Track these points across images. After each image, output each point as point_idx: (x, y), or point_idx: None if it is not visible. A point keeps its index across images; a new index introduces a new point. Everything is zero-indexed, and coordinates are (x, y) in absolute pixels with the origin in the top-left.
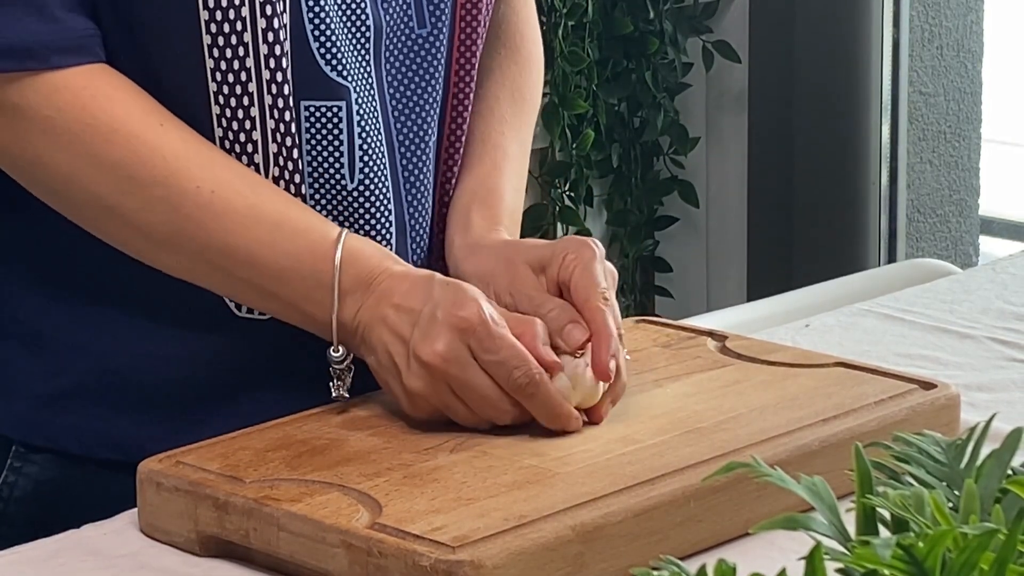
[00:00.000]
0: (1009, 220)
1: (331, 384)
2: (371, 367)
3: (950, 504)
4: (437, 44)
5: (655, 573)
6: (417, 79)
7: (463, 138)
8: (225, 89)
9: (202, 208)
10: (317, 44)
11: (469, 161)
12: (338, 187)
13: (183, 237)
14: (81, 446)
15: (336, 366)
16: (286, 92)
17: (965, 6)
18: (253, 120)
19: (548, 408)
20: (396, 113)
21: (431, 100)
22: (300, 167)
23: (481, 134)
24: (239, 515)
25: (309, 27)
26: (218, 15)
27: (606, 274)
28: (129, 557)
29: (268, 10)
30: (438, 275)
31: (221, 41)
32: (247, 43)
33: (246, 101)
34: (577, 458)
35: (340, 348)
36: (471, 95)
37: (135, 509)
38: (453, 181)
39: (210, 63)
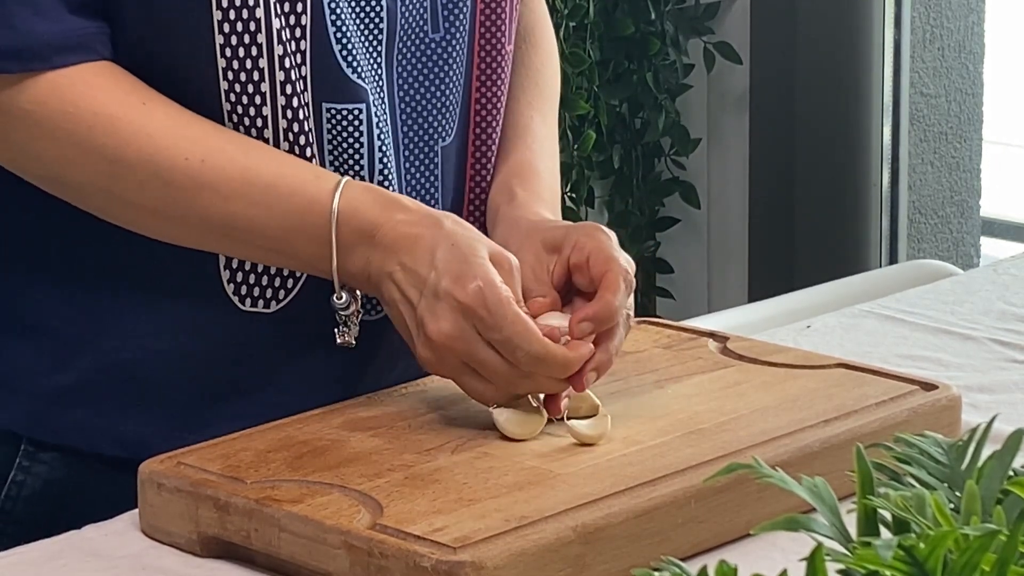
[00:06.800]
0: (1010, 221)
1: (336, 330)
2: (390, 317)
3: (951, 505)
4: (451, 50)
5: (656, 574)
6: (428, 83)
7: (492, 144)
8: (237, 87)
9: (194, 179)
10: (339, 47)
11: (502, 147)
12: None
13: (180, 210)
14: (86, 442)
15: (341, 312)
16: (299, 90)
17: (966, 7)
18: (265, 119)
19: (557, 372)
20: (404, 116)
21: (442, 105)
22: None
23: (511, 121)
24: (240, 516)
25: (332, 28)
26: (231, 14)
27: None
28: (130, 558)
29: (284, 8)
30: (447, 224)
31: (234, 40)
32: (260, 44)
33: (258, 100)
34: (578, 459)
35: (343, 295)
36: (499, 103)
37: (136, 510)
38: (484, 185)
39: (222, 62)
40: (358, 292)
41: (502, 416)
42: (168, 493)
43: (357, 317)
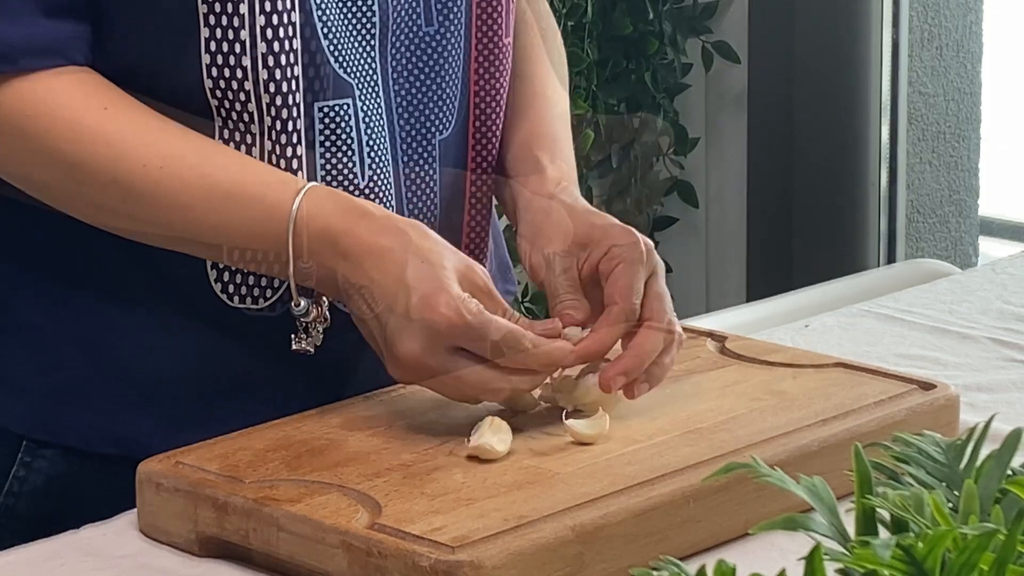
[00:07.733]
0: (1009, 221)
1: (293, 336)
2: (360, 331)
3: (950, 505)
4: (446, 43)
5: (655, 574)
6: (424, 77)
7: (493, 138)
8: (222, 84)
9: (153, 186)
10: (327, 42)
11: (516, 114)
12: (350, 186)
13: (143, 214)
14: (83, 441)
15: (301, 320)
16: (291, 89)
17: (964, 7)
18: (252, 115)
19: (542, 363)
20: (400, 110)
21: (439, 99)
22: (301, 165)
23: (524, 92)
24: (239, 515)
25: (319, 24)
26: (216, 7)
27: (656, 270)
28: (129, 558)
29: (267, 7)
30: (414, 237)
31: (219, 34)
32: (244, 41)
33: (243, 97)
34: (576, 459)
35: (302, 302)
36: (499, 96)
37: (135, 510)
38: (485, 178)
39: (206, 58)
40: (324, 299)
41: (476, 442)
42: (166, 493)
43: (321, 324)
